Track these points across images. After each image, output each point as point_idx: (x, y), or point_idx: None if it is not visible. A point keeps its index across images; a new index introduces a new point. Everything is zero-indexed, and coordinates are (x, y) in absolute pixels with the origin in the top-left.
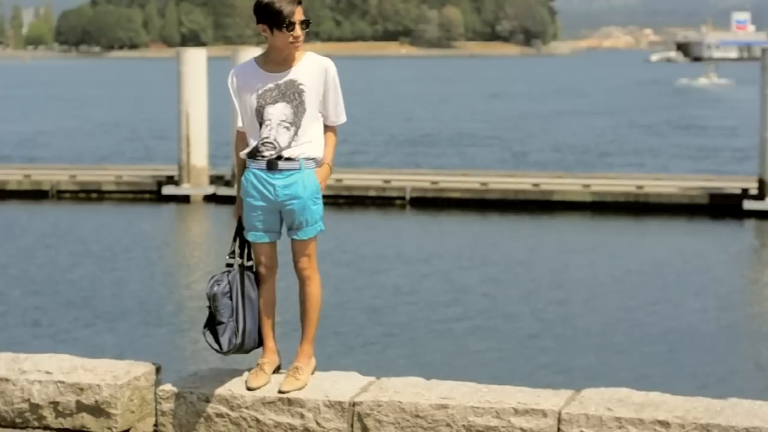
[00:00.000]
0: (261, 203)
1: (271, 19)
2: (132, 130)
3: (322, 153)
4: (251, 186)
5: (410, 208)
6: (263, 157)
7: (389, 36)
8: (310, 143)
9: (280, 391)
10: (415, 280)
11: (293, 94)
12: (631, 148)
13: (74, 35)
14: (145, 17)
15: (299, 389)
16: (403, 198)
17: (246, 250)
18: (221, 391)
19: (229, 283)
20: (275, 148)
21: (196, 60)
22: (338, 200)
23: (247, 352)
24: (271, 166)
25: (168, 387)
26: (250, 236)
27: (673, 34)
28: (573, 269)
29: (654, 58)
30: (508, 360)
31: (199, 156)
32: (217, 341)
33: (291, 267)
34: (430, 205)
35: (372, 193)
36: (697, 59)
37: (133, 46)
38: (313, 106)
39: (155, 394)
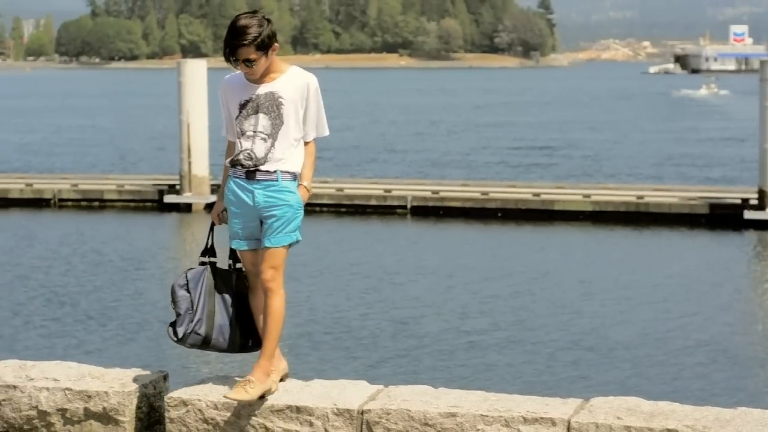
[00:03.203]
0: (240, 210)
1: None
2: (133, 140)
3: (300, 168)
4: (232, 193)
5: (411, 217)
6: (243, 167)
7: (388, 48)
8: (285, 159)
9: (225, 396)
10: (419, 289)
11: (272, 107)
12: (631, 158)
13: (74, 46)
14: (145, 29)
15: (245, 401)
16: (404, 207)
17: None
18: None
19: (186, 277)
20: (251, 159)
21: (196, 71)
22: (340, 209)
23: (220, 350)
24: (249, 176)
25: (176, 394)
26: (233, 244)
27: (672, 46)
28: (576, 279)
29: (652, 70)
30: (514, 370)
31: (200, 165)
32: (174, 331)
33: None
34: (431, 214)
35: (373, 202)
36: (696, 71)
37: (133, 58)
38: (292, 119)
39: (163, 401)
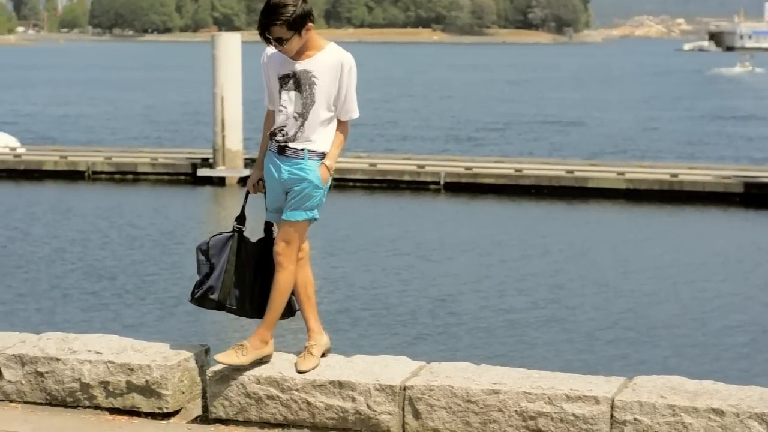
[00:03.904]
0: (270, 184)
1: None
2: (166, 113)
3: (328, 149)
4: (266, 166)
5: (444, 193)
6: (276, 141)
7: (421, 22)
8: (314, 138)
9: (215, 359)
10: (456, 266)
11: (305, 85)
12: (665, 136)
13: (108, 18)
14: (178, 1)
15: (234, 365)
16: (437, 183)
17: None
18: (271, 373)
19: (209, 243)
20: (285, 135)
21: (230, 44)
22: (372, 185)
23: (237, 314)
24: (280, 151)
25: (218, 368)
26: (266, 215)
27: (706, 23)
28: (613, 258)
29: (686, 47)
30: (553, 348)
31: (234, 139)
32: (192, 292)
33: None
34: (464, 191)
35: (406, 178)
36: (730, 49)
37: (166, 30)
38: (323, 99)
39: (205, 375)
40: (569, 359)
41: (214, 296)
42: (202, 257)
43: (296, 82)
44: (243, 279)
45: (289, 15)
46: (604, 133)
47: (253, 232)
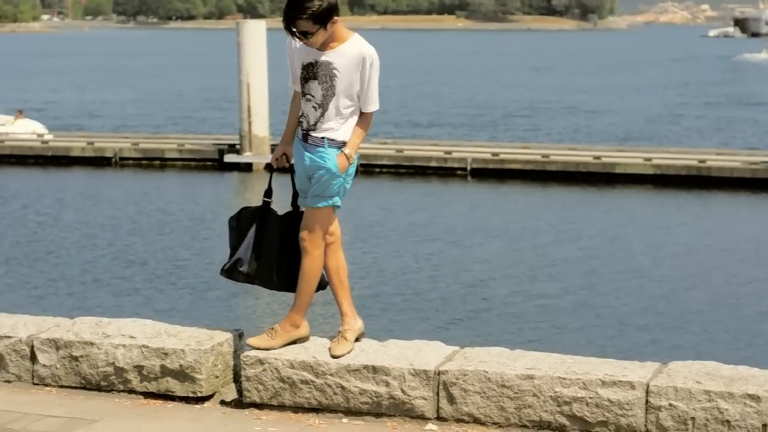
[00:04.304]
0: (297, 169)
1: None
2: (192, 100)
3: (348, 138)
4: (295, 150)
5: (471, 179)
6: (301, 128)
7: (445, 9)
8: (335, 128)
9: (247, 343)
10: (486, 251)
11: (326, 76)
12: (692, 122)
13: (132, 6)
14: None
15: (264, 348)
16: (464, 169)
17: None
18: (305, 357)
19: (239, 216)
20: (307, 123)
21: (255, 31)
22: (399, 170)
23: (266, 286)
24: (303, 138)
25: (253, 353)
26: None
27: (731, 9)
28: (643, 243)
29: (711, 33)
30: (586, 333)
31: (260, 125)
32: (223, 265)
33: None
34: (491, 177)
35: (433, 164)
36: (755, 35)
37: (190, 18)
38: (344, 91)
39: (239, 359)
40: (602, 345)
41: (243, 269)
42: (231, 230)
43: (318, 72)
44: (270, 252)
45: (315, 9)
46: (631, 119)
47: (283, 207)
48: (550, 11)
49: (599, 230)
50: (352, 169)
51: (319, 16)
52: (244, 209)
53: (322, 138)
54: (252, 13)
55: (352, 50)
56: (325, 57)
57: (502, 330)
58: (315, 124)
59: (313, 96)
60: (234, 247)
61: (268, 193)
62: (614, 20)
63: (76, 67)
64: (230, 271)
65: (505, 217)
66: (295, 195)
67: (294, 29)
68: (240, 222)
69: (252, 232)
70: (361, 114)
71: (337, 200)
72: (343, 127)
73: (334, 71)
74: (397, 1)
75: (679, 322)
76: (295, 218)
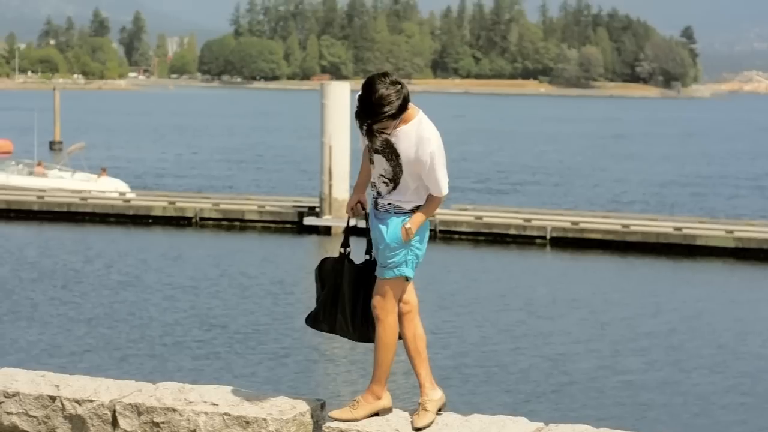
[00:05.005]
0: (372, 232)
1: None
2: (274, 161)
3: (418, 206)
4: (370, 213)
5: (550, 248)
6: (372, 196)
7: (528, 74)
8: (405, 199)
9: (330, 416)
10: (568, 324)
11: (390, 155)
12: None
13: (217, 65)
14: (287, 49)
15: (347, 420)
16: (543, 237)
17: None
18: (387, 430)
19: (320, 267)
20: (377, 193)
21: (339, 93)
22: (478, 237)
23: (345, 336)
24: (374, 205)
25: (335, 424)
26: None
27: None
28: (729, 318)
29: None
30: (670, 411)
31: (341, 188)
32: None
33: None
34: (570, 246)
35: (512, 232)
36: None
37: (274, 78)
38: (409, 170)
39: (321, 430)
40: (687, 423)
41: (322, 318)
42: (316, 280)
43: (382, 148)
44: (344, 302)
45: (395, 110)
46: (714, 192)
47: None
48: (634, 78)
49: (681, 304)
50: (419, 243)
51: (395, 115)
52: (326, 259)
53: (389, 204)
54: (336, 74)
55: (414, 132)
56: (390, 135)
57: (585, 405)
58: (385, 195)
59: (382, 172)
60: (318, 296)
61: (346, 242)
62: (698, 88)
63: (161, 126)
64: (314, 321)
65: (585, 287)
66: (369, 244)
67: (370, 127)
68: (321, 272)
69: (330, 282)
70: (429, 196)
71: (404, 270)
72: (411, 199)
73: (398, 151)
74: (480, 65)
75: (766, 402)
76: (369, 267)
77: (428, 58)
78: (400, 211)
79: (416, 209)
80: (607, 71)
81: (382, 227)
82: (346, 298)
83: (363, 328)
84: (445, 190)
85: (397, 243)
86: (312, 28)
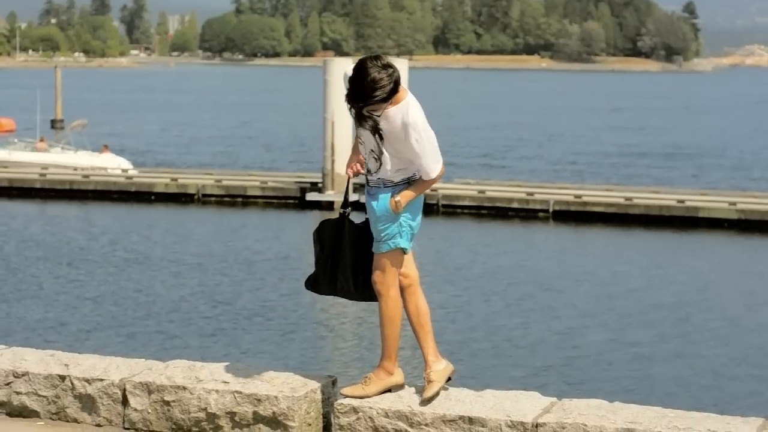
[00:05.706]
0: (367, 214)
1: None
2: (276, 137)
3: (407, 180)
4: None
5: (553, 221)
6: (364, 173)
7: (529, 49)
8: (394, 173)
9: (341, 393)
10: (576, 297)
11: (379, 135)
12: None
13: (218, 42)
14: (288, 26)
15: (358, 397)
16: (546, 211)
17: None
18: (400, 407)
19: (319, 229)
20: (369, 171)
21: (342, 69)
22: (480, 211)
23: (347, 297)
24: (367, 182)
25: (347, 401)
26: None
27: None
28: (736, 290)
29: None
30: (681, 384)
31: (343, 164)
32: (307, 278)
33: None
34: (573, 219)
35: (515, 206)
36: None
37: (275, 55)
38: (398, 149)
39: (332, 407)
40: (698, 395)
41: (323, 280)
42: (314, 243)
43: (372, 129)
44: (346, 262)
45: (386, 94)
46: (716, 163)
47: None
48: (635, 53)
49: (687, 276)
50: (410, 215)
51: (386, 99)
52: (325, 221)
53: (379, 179)
54: (337, 50)
55: (398, 116)
56: (378, 119)
57: (594, 378)
58: (375, 171)
59: (371, 148)
60: (317, 259)
61: (345, 203)
62: (699, 62)
63: (162, 103)
64: (314, 284)
65: (591, 261)
66: (346, 201)
67: (360, 108)
68: (320, 234)
69: (331, 245)
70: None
71: (400, 242)
72: (399, 173)
73: (382, 132)
74: (481, 41)
75: None
76: (368, 226)
77: (430, 35)
78: (390, 184)
79: (407, 181)
80: (609, 46)
81: (374, 202)
82: (348, 258)
83: (365, 286)
84: (433, 174)
85: (387, 215)
86: (313, 5)
